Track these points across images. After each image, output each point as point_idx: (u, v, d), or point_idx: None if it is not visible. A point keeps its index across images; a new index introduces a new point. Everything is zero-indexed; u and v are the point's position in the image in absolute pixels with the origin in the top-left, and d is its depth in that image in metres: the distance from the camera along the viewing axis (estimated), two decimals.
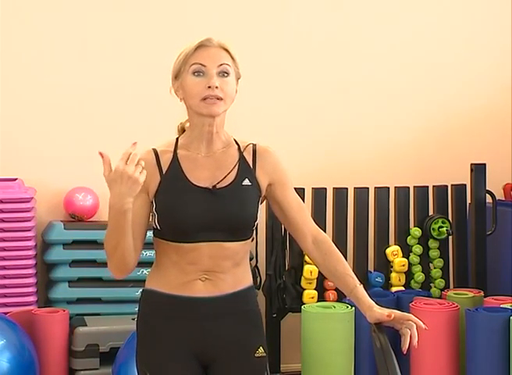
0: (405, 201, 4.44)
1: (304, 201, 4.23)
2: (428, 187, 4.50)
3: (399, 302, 4.15)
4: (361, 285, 2.33)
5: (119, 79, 4.42)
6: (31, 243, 4.02)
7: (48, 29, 4.35)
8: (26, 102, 4.34)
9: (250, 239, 2.27)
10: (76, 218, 4.23)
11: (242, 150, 2.26)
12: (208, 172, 2.21)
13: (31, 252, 4.03)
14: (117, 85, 4.42)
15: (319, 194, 4.31)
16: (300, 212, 2.31)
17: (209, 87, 2.15)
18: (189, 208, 2.16)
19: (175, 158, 2.21)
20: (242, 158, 2.25)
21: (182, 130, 2.31)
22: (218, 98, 2.16)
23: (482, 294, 4.23)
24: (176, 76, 2.22)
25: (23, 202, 3.98)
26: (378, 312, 2.26)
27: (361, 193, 4.37)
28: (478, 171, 4.46)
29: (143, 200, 2.18)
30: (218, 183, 2.20)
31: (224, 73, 2.19)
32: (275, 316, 4.21)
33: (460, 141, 4.85)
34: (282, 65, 4.63)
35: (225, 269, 2.21)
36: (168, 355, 2.19)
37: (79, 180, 4.29)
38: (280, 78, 4.63)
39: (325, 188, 4.34)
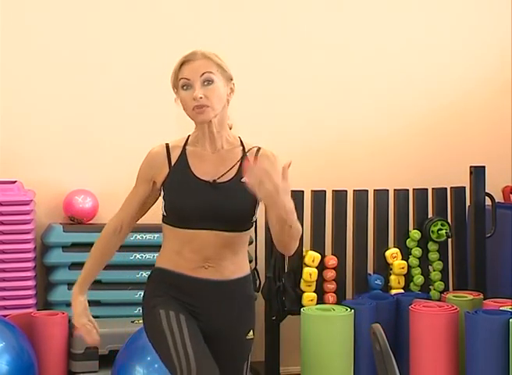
0: (404, 204, 4.45)
1: (303, 203, 4.27)
2: (427, 189, 4.50)
3: (398, 305, 4.16)
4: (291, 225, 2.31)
5: (119, 82, 4.42)
6: (30, 245, 4.02)
7: (49, 31, 4.35)
8: (26, 105, 4.34)
9: (249, 230, 2.46)
10: (75, 220, 4.23)
11: (246, 151, 2.47)
12: (212, 167, 2.44)
13: (30, 255, 4.02)
14: (118, 88, 4.42)
15: (319, 196, 4.31)
16: None
17: (194, 99, 2.37)
18: (189, 197, 2.39)
19: (183, 153, 2.46)
20: (244, 157, 2.45)
21: None
22: (203, 106, 2.37)
23: (482, 296, 4.24)
24: (173, 88, 2.46)
25: (22, 205, 3.98)
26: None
27: (361, 195, 4.38)
28: (478, 173, 4.46)
29: (147, 187, 2.48)
30: (218, 177, 2.41)
31: (208, 81, 2.39)
32: (274, 318, 4.21)
33: (460, 143, 4.86)
34: (281, 67, 4.63)
35: (226, 257, 2.41)
36: (174, 303, 2.38)
37: (78, 183, 4.29)
38: (280, 80, 4.63)
39: (325, 191, 4.34)
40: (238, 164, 2.44)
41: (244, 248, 2.47)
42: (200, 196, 2.39)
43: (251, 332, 2.48)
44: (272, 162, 2.41)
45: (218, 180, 2.41)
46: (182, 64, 2.42)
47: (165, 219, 2.45)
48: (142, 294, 2.51)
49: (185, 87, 2.40)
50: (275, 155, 2.49)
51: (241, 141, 2.51)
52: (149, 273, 2.50)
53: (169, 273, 2.42)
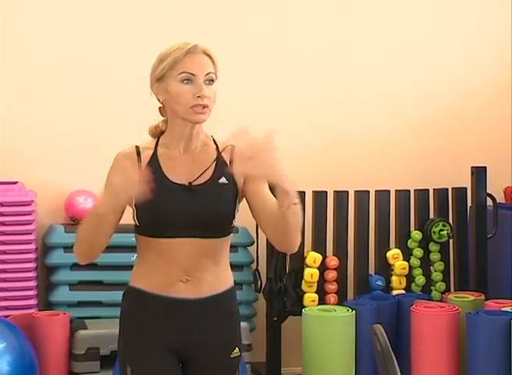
0: (406, 205, 4.44)
1: (304, 204, 4.26)
2: (428, 190, 4.50)
3: (399, 305, 4.15)
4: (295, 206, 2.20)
5: (122, 82, 4.41)
6: (32, 246, 4.02)
7: (49, 30, 4.35)
8: (27, 105, 4.34)
9: (229, 236, 2.32)
10: (76, 221, 4.23)
11: (221, 150, 2.33)
12: (185, 169, 2.28)
13: (32, 255, 4.02)
14: (120, 89, 4.41)
15: (320, 197, 4.31)
16: (273, 208, 2.25)
17: (199, 96, 2.24)
18: (165, 204, 2.23)
19: (154, 156, 2.30)
20: (219, 158, 2.31)
21: (156, 131, 2.35)
22: (205, 107, 2.25)
23: (483, 297, 4.23)
24: (159, 79, 2.28)
25: (23, 205, 3.98)
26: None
27: (362, 196, 4.37)
28: (479, 174, 4.46)
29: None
30: (194, 180, 2.27)
31: (210, 81, 2.28)
32: (275, 319, 4.20)
33: (461, 144, 4.85)
34: (281, 67, 4.63)
35: (206, 268, 2.26)
36: (149, 349, 2.26)
37: (79, 183, 4.29)
38: (280, 80, 4.62)
39: (326, 191, 4.34)
40: (214, 164, 2.30)
41: (226, 257, 2.33)
42: (176, 201, 2.24)
43: (237, 349, 2.33)
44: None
45: (194, 183, 2.26)
46: (185, 54, 2.26)
47: (138, 229, 2.28)
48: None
49: (186, 81, 2.24)
50: None
51: (214, 140, 2.36)
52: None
53: (143, 294, 2.27)
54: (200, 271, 2.26)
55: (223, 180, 2.29)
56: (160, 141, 2.33)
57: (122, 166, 2.24)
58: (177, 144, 2.30)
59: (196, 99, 2.24)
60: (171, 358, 2.27)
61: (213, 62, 2.30)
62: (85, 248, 2.29)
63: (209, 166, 2.29)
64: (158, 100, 2.31)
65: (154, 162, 2.29)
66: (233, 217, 2.29)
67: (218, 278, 2.30)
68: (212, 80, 2.28)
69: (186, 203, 2.24)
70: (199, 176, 2.27)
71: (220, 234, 2.28)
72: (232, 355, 2.32)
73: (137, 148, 2.32)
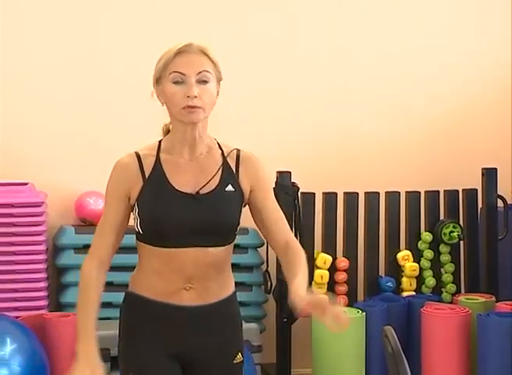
0: (416, 206, 4.43)
1: (314, 205, 4.27)
2: (438, 191, 4.48)
3: (410, 307, 4.14)
4: (304, 274, 2.25)
5: (131, 82, 4.42)
6: (42, 247, 4.03)
7: (58, 33, 4.36)
8: (38, 107, 4.35)
9: (233, 242, 2.28)
10: (86, 222, 4.24)
11: (226, 155, 2.26)
12: (190, 177, 2.21)
13: (42, 256, 4.03)
14: (130, 90, 4.42)
15: (330, 198, 4.31)
16: (278, 222, 2.30)
17: (188, 96, 2.15)
18: (171, 213, 2.16)
19: (157, 163, 2.22)
20: (225, 164, 2.25)
21: (167, 132, 2.31)
22: (195, 107, 2.16)
23: (494, 298, 4.22)
24: (157, 81, 2.23)
25: (34, 207, 3.99)
26: (296, 301, 2.11)
27: (372, 198, 4.37)
28: (490, 175, 4.45)
29: (123, 205, 2.22)
30: (200, 188, 2.20)
31: (203, 81, 2.18)
32: (285, 320, 4.20)
33: (471, 145, 4.84)
34: (290, 68, 4.62)
35: (210, 276, 2.22)
36: (150, 356, 2.24)
37: (90, 185, 4.30)
38: (290, 81, 4.61)
39: (336, 193, 4.33)
40: (220, 171, 2.23)
41: (228, 264, 2.29)
42: (182, 211, 2.16)
43: (239, 355, 2.30)
44: (259, 165, 2.28)
45: (201, 191, 2.19)
46: (176, 55, 2.18)
47: (141, 236, 2.22)
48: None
49: (176, 82, 2.16)
50: (256, 156, 2.31)
51: (218, 144, 2.28)
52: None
53: (145, 301, 2.24)
54: (204, 279, 2.21)
55: (230, 187, 2.23)
56: (162, 145, 2.25)
57: (123, 173, 2.22)
58: (181, 149, 2.22)
59: (186, 100, 2.15)
60: (172, 364, 2.25)
61: (211, 61, 2.21)
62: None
63: (215, 172, 2.22)
64: (161, 102, 2.25)
65: (157, 170, 2.20)
66: (239, 223, 2.26)
67: (221, 285, 2.27)
68: (207, 80, 2.18)
69: (193, 213, 2.18)
70: (205, 184, 2.21)
71: (225, 242, 2.24)
72: (235, 361, 2.29)
73: (137, 155, 2.23)
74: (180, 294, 2.21)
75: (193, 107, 2.15)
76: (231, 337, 2.30)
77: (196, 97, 2.15)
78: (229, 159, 2.26)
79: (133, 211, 2.23)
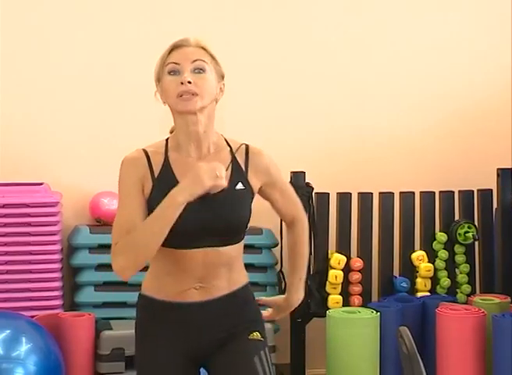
0: (431, 206, 4.42)
1: (328, 205, 4.26)
2: (453, 192, 4.47)
3: (424, 308, 4.13)
4: (302, 280, 2.46)
5: (145, 83, 4.41)
6: (57, 247, 4.05)
7: (63, 30, 4.37)
8: (53, 109, 4.37)
9: (243, 241, 2.28)
10: (101, 222, 4.25)
11: (234, 151, 2.24)
12: None
13: (57, 256, 4.05)
14: (144, 89, 4.41)
15: (344, 198, 4.30)
16: (284, 199, 2.36)
17: (182, 83, 2.12)
18: (183, 214, 2.09)
19: (166, 162, 2.18)
20: (234, 161, 2.23)
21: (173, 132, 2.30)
22: (193, 94, 2.12)
23: (509, 299, 4.19)
24: (158, 79, 2.21)
25: (49, 206, 4.01)
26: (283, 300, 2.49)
27: (386, 198, 4.36)
28: (505, 176, 4.43)
29: (141, 197, 2.16)
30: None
31: (199, 70, 2.14)
32: (299, 320, 4.20)
33: (487, 145, 4.82)
34: (304, 67, 4.61)
35: (220, 275, 2.22)
36: (164, 358, 2.23)
37: (104, 185, 4.31)
38: (303, 81, 4.61)
39: (350, 193, 4.33)
40: (230, 169, 2.19)
41: (239, 260, 2.27)
42: (194, 212, 2.11)
43: (256, 333, 2.24)
44: (269, 160, 2.28)
45: (211, 191, 2.13)
46: (172, 49, 2.17)
47: None
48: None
49: (172, 73, 2.14)
50: (265, 151, 2.28)
51: (226, 140, 2.25)
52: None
53: (154, 302, 2.23)
54: (215, 278, 2.21)
55: (240, 185, 2.21)
56: (169, 144, 2.22)
57: (134, 166, 2.17)
58: (187, 147, 2.18)
59: (181, 87, 2.12)
60: (187, 364, 2.24)
61: (209, 54, 2.18)
62: (145, 252, 2.10)
63: (225, 171, 2.16)
64: (162, 102, 2.22)
65: (166, 169, 2.17)
66: (249, 221, 2.24)
67: (232, 281, 2.26)
68: (203, 69, 2.14)
69: (204, 214, 2.14)
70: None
71: (236, 240, 2.23)
72: (250, 337, 2.24)
73: (145, 152, 2.20)
74: (190, 293, 2.21)
75: (188, 93, 2.11)
76: (245, 323, 2.26)
77: (190, 82, 2.11)
78: (237, 155, 2.24)
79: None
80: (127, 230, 2.11)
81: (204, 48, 2.19)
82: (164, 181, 2.15)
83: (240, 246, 2.26)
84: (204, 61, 2.16)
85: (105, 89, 4.41)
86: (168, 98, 2.17)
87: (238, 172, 2.23)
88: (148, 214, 2.13)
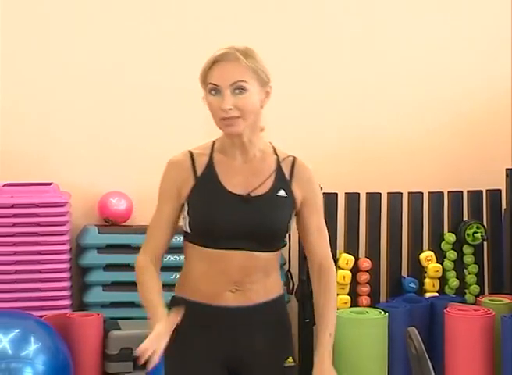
0: (439, 207, 4.41)
1: (336, 205, 4.26)
2: (462, 192, 4.46)
3: (433, 308, 4.12)
4: (332, 336, 2.33)
5: (153, 85, 4.43)
6: (66, 247, 4.06)
7: (73, 34, 4.38)
8: (62, 109, 4.38)
9: (280, 249, 2.27)
10: (110, 222, 4.26)
11: (280, 160, 2.25)
12: (242, 178, 2.21)
13: (66, 256, 4.06)
14: (155, 91, 4.43)
15: (352, 198, 4.30)
16: (318, 238, 2.30)
17: (222, 109, 2.14)
18: (221, 214, 2.15)
19: (210, 162, 2.22)
20: (279, 169, 2.24)
21: None
22: (233, 118, 2.14)
23: None
24: (202, 84, 2.22)
25: (58, 206, 4.02)
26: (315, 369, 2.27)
27: (395, 198, 4.35)
28: None
29: (175, 205, 2.22)
30: (252, 190, 2.19)
31: (240, 90, 2.15)
32: (307, 321, 4.19)
33: (495, 145, 4.80)
34: (313, 68, 4.61)
35: (256, 280, 2.21)
36: (197, 362, 2.21)
37: (113, 185, 4.32)
38: (312, 81, 4.60)
39: (358, 193, 4.32)
40: (273, 176, 2.22)
41: (277, 268, 2.28)
42: (233, 212, 2.16)
43: (290, 358, 2.26)
44: (313, 176, 2.28)
45: (252, 194, 2.18)
46: (212, 65, 2.16)
47: (189, 237, 2.22)
48: None
49: (213, 92, 2.15)
50: (310, 167, 2.30)
51: (274, 149, 2.28)
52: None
53: (188, 304, 2.21)
54: (251, 283, 2.20)
55: (282, 193, 2.22)
56: (215, 146, 2.25)
57: (175, 172, 2.21)
58: (233, 152, 2.22)
59: (222, 112, 2.14)
60: (218, 371, 2.22)
61: (249, 68, 2.16)
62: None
63: (268, 176, 2.21)
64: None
65: (210, 169, 2.20)
66: (288, 230, 2.24)
67: (268, 288, 2.24)
68: (243, 89, 2.14)
69: (243, 215, 2.16)
70: (257, 187, 2.20)
71: (273, 248, 2.23)
72: (286, 365, 2.25)
73: (191, 153, 2.23)
74: (225, 296, 2.20)
75: (230, 119, 2.14)
76: (280, 340, 2.26)
77: (230, 109, 2.13)
78: (283, 165, 2.25)
79: (182, 210, 2.23)
80: (150, 234, 2.25)
81: (244, 62, 2.16)
82: (206, 180, 2.20)
83: (276, 255, 2.25)
84: (243, 81, 2.15)
85: (115, 89, 4.41)
86: (212, 116, 2.19)
87: (281, 180, 2.24)
88: (189, 211, 2.19)
